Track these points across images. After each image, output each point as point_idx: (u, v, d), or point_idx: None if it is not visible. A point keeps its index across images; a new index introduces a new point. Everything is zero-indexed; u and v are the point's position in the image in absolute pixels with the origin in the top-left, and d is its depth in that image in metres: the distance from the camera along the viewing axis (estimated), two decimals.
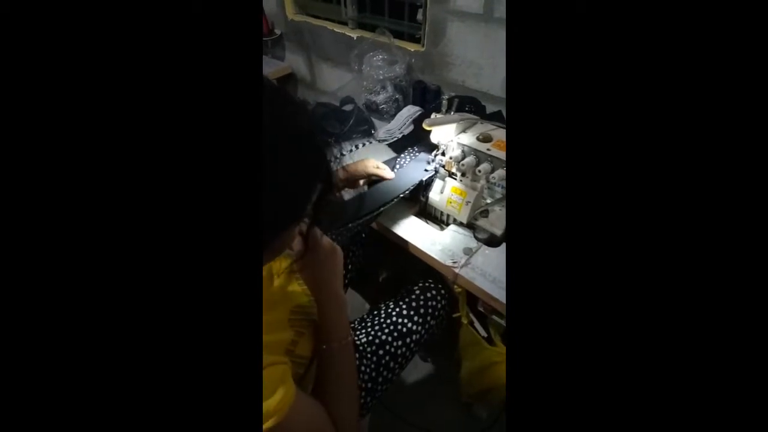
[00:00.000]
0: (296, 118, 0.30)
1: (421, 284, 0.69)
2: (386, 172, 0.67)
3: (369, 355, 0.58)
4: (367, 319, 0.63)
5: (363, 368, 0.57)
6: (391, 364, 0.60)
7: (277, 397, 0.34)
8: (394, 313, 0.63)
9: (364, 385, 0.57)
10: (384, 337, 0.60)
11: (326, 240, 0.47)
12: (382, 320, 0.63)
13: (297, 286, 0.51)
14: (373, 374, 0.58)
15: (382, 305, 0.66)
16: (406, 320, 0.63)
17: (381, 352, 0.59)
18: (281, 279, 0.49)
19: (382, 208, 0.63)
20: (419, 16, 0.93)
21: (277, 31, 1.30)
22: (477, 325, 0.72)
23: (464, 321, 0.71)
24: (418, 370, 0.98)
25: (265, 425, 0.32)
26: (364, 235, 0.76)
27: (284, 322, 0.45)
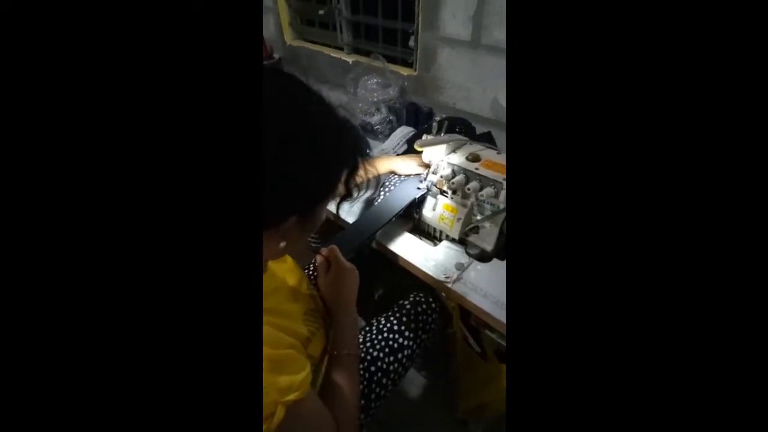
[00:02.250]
0: (321, 106, 0.36)
1: (411, 298, 0.69)
2: None
3: (361, 372, 0.58)
4: (359, 336, 0.64)
5: None
6: (384, 381, 0.60)
7: (304, 374, 0.37)
8: (385, 329, 0.64)
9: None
10: (376, 353, 0.61)
11: (346, 261, 0.56)
12: (373, 336, 0.63)
13: (306, 291, 0.53)
14: (366, 391, 0.58)
15: (374, 321, 0.66)
16: (397, 335, 0.63)
17: (373, 368, 0.59)
18: (294, 281, 0.51)
19: (378, 231, 0.66)
20: (411, 43, 0.98)
21: (276, 56, 1.35)
22: (471, 340, 0.73)
23: (458, 337, 0.71)
24: (413, 386, 0.97)
25: (289, 397, 0.34)
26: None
27: (299, 319, 0.46)
